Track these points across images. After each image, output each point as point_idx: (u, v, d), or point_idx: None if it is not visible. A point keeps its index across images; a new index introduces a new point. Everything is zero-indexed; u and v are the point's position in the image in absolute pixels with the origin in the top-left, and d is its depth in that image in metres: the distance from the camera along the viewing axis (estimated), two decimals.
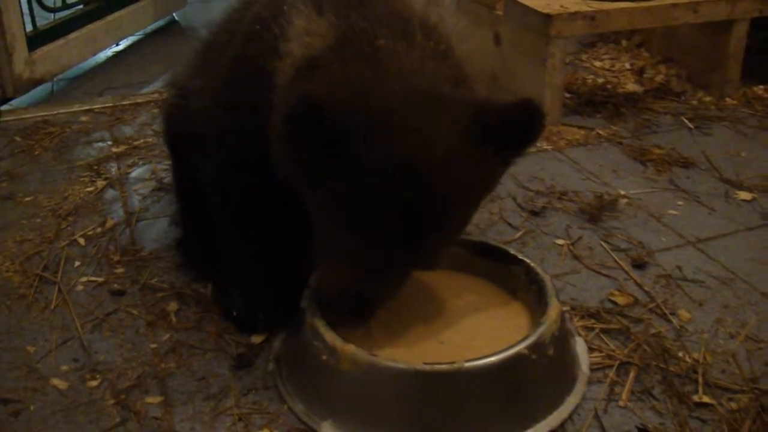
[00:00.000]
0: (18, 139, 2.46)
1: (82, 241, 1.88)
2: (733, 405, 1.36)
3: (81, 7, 3.14)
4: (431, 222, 1.20)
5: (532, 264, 1.50)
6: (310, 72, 1.24)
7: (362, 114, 1.15)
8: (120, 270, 1.76)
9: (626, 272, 1.73)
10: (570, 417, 1.35)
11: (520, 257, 1.52)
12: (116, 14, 3.28)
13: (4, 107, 2.69)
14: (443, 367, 1.25)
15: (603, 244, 1.84)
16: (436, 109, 1.20)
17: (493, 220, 1.94)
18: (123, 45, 3.45)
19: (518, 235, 1.88)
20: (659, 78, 2.84)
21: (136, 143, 2.41)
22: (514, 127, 1.22)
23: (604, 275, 1.73)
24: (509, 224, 1.93)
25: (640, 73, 2.88)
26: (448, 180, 1.18)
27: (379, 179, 1.16)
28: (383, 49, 1.24)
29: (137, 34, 3.53)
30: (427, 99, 1.20)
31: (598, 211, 1.96)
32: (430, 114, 1.19)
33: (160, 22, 3.69)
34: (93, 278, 1.74)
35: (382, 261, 1.24)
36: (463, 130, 1.20)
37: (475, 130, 1.20)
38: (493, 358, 1.27)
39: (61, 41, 2.93)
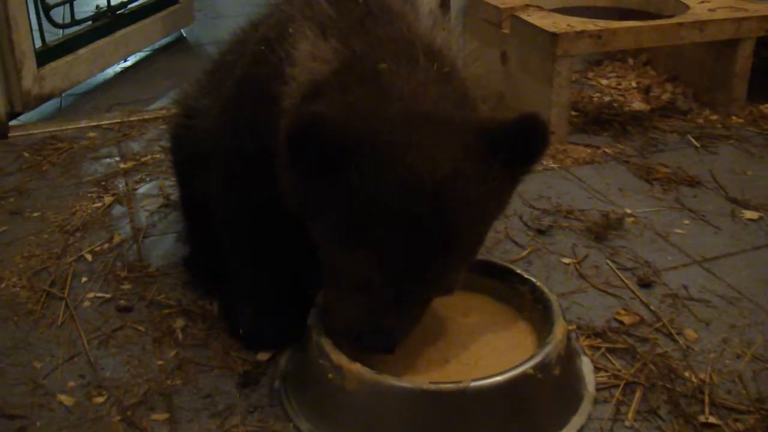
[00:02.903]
0: (26, 154, 2.47)
1: (89, 256, 1.89)
2: (740, 425, 1.36)
3: (90, 23, 3.16)
4: (442, 243, 1.18)
5: (538, 283, 1.50)
6: (314, 98, 1.24)
7: (363, 133, 1.15)
8: (127, 286, 1.77)
9: (632, 291, 1.73)
10: None
11: (526, 276, 1.52)
12: (124, 30, 3.31)
13: (13, 122, 2.70)
14: (449, 386, 1.25)
15: (609, 263, 1.84)
16: (438, 129, 1.19)
17: (499, 239, 1.94)
18: (131, 61, 3.47)
19: (524, 253, 1.88)
20: (665, 96, 2.84)
21: (143, 159, 2.42)
22: (519, 143, 1.21)
23: (611, 294, 1.73)
24: (515, 243, 1.93)
25: (646, 91, 2.88)
26: (456, 198, 1.17)
27: (385, 200, 1.14)
28: (384, 73, 1.23)
29: (145, 50, 3.56)
30: (429, 119, 1.19)
31: (604, 230, 1.96)
32: (432, 133, 1.18)
33: (168, 39, 3.72)
34: (100, 294, 1.74)
35: (396, 289, 1.22)
36: (468, 148, 1.19)
37: (480, 148, 1.19)
38: (499, 378, 1.27)
39: (69, 57, 2.95)
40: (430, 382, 1.26)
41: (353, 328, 1.29)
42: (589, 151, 2.45)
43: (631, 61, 3.16)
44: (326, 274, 1.33)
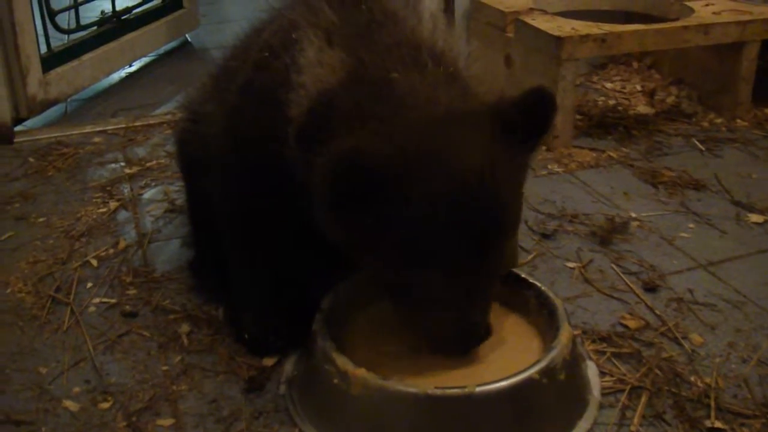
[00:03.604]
0: (31, 159, 2.48)
1: (94, 262, 1.89)
2: (746, 430, 1.35)
3: (95, 28, 3.17)
4: (499, 227, 1.23)
5: (543, 288, 1.50)
6: (325, 110, 1.26)
7: (400, 155, 1.17)
8: (132, 291, 1.77)
9: (637, 296, 1.73)
10: None
11: (531, 281, 1.52)
12: (129, 36, 3.31)
13: (18, 128, 2.70)
14: (454, 391, 1.25)
15: (614, 267, 1.84)
16: (459, 127, 1.22)
17: None
18: (136, 66, 3.47)
19: (529, 258, 1.88)
20: (670, 100, 2.84)
21: (148, 164, 2.42)
22: (531, 115, 1.25)
23: (616, 298, 1.72)
24: (520, 247, 1.92)
25: (651, 94, 2.88)
26: (497, 184, 1.21)
27: (439, 211, 1.17)
28: (397, 83, 1.25)
29: (150, 55, 3.56)
30: (448, 121, 1.22)
31: (609, 234, 1.96)
32: (456, 133, 1.21)
33: (173, 44, 3.72)
34: (105, 299, 1.75)
35: (471, 284, 1.26)
36: (489, 135, 1.23)
37: (499, 130, 1.23)
38: (504, 383, 1.27)
39: (74, 62, 2.96)
40: (436, 387, 1.26)
41: (449, 337, 1.33)
42: (593, 154, 2.45)
43: (635, 64, 3.16)
44: (392, 295, 1.34)
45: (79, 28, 3.11)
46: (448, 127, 1.22)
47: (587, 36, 2.39)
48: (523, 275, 1.54)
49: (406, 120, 1.21)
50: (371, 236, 1.22)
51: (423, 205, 1.17)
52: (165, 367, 1.53)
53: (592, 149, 2.48)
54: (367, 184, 1.15)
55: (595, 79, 3.11)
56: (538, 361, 1.31)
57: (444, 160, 1.18)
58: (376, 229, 1.20)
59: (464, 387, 1.25)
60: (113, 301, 1.74)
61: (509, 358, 1.40)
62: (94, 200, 2.20)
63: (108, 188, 2.27)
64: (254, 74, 1.43)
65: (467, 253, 1.21)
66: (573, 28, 2.43)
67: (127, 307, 1.71)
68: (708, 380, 1.47)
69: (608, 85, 3.04)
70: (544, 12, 2.66)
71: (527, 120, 1.25)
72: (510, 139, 1.23)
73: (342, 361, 1.31)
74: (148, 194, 2.24)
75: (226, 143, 1.47)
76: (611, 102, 2.85)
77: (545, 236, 1.97)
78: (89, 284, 1.80)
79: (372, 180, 1.15)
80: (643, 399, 1.43)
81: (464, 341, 1.35)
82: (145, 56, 3.51)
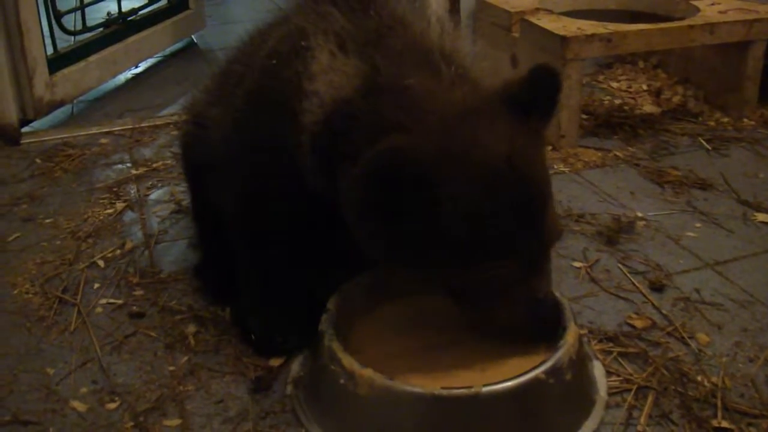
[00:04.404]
0: (38, 161, 2.49)
1: (101, 263, 1.89)
2: (753, 430, 1.35)
3: (101, 30, 3.18)
4: (546, 203, 1.26)
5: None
6: (343, 119, 1.27)
7: (442, 154, 1.18)
8: (139, 292, 1.77)
9: (644, 295, 1.73)
10: None
11: None
12: (135, 37, 3.32)
13: (25, 129, 2.71)
14: (461, 391, 1.25)
15: (620, 266, 1.84)
16: (481, 121, 1.24)
17: None
18: (142, 67, 3.48)
19: None
20: (676, 99, 2.84)
21: (155, 165, 2.43)
22: (539, 91, 1.28)
23: (622, 298, 1.72)
24: None
25: (657, 94, 2.88)
26: (529, 164, 1.24)
27: (492, 202, 1.19)
28: (414, 89, 1.27)
29: (156, 56, 3.57)
30: (470, 117, 1.24)
31: (615, 234, 1.96)
32: (480, 127, 1.23)
33: (179, 45, 3.73)
34: (112, 300, 1.75)
35: (534, 263, 1.28)
36: (509, 120, 1.25)
37: (516, 112, 1.26)
38: (510, 383, 1.27)
39: (81, 64, 2.97)
40: (442, 388, 1.26)
41: (524, 319, 1.33)
42: (599, 154, 2.45)
43: (641, 63, 3.15)
44: (453, 294, 1.33)
45: (86, 29, 3.12)
46: (470, 123, 1.23)
47: (593, 36, 2.39)
48: None
49: (430, 123, 1.22)
50: (420, 239, 1.22)
51: (468, 200, 1.19)
52: (172, 368, 1.53)
53: (598, 149, 2.48)
54: (414, 184, 1.16)
55: (600, 78, 3.11)
56: (544, 361, 1.31)
57: (476, 154, 1.20)
58: (426, 231, 1.21)
59: (471, 387, 1.25)
60: (120, 301, 1.74)
61: (515, 358, 1.40)
62: (100, 201, 2.21)
63: (114, 189, 2.28)
64: (262, 80, 1.43)
65: (520, 235, 1.23)
66: (578, 28, 2.43)
67: (134, 307, 1.72)
68: (715, 380, 1.46)
69: (614, 84, 3.04)
70: (550, 12, 2.66)
71: (536, 97, 1.28)
72: (525, 119, 1.26)
73: (348, 362, 1.31)
74: (154, 195, 2.25)
75: (233, 147, 1.47)
76: (617, 101, 2.84)
77: None
78: (96, 285, 1.81)
79: (417, 180, 1.16)
80: (650, 399, 1.42)
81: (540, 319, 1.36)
82: (151, 57, 3.52)
